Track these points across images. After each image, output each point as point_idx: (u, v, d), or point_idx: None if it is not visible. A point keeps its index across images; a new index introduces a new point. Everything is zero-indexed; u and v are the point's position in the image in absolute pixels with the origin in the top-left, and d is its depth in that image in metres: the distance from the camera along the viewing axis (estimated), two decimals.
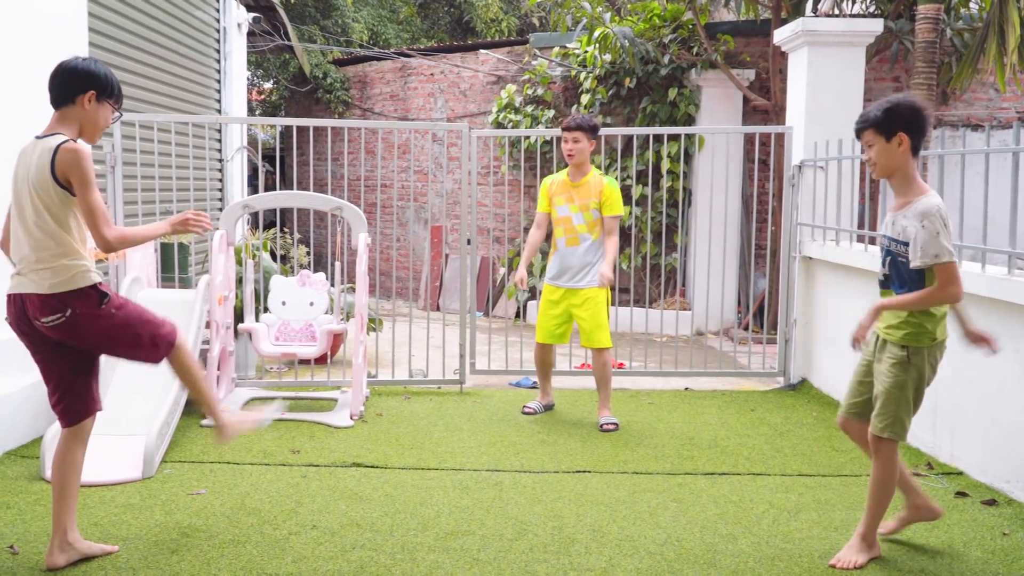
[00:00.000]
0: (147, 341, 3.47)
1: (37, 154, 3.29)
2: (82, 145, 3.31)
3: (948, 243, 3.33)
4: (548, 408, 6.09)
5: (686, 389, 6.85)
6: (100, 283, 3.38)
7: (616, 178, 9.22)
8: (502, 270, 11.21)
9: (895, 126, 3.41)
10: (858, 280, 6.03)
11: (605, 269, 5.62)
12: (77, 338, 3.37)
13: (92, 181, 3.27)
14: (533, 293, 10.42)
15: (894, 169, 3.46)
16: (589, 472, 4.73)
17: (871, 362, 3.63)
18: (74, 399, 3.45)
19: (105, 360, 3.66)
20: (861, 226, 7.24)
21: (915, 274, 3.40)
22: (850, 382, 3.75)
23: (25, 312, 3.34)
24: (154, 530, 3.81)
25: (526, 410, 5.99)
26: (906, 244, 3.41)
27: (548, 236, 6.04)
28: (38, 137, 3.37)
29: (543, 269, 10.27)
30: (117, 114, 3.53)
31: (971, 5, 9.54)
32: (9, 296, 3.38)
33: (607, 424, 5.63)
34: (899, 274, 3.48)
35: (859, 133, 3.52)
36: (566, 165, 5.90)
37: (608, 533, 3.86)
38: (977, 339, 3.60)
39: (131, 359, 3.56)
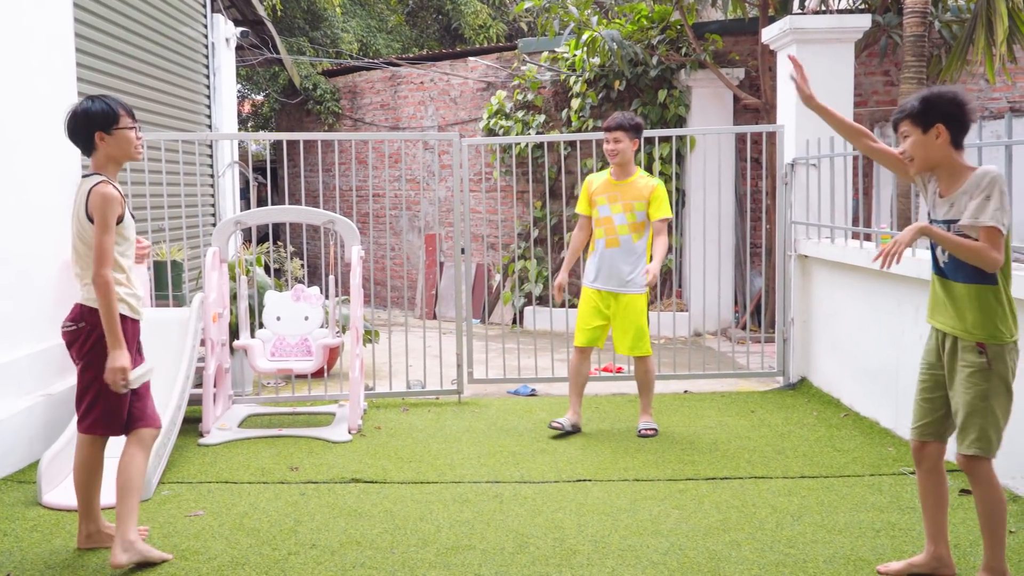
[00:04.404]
0: (96, 406, 3.67)
1: (79, 194, 3.63)
2: (109, 190, 3.56)
3: (999, 211, 3.11)
4: (575, 429, 5.67)
5: (685, 392, 6.82)
6: (123, 318, 3.61)
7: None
8: (497, 276, 11.18)
9: (933, 117, 3.23)
10: (854, 277, 6.01)
11: (652, 266, 5.31)
12: (75, 350, 3.71)
13: (108, 225, 3.54)
14: (529, 299, 10.40)
15: (934, 163, 3.27)
16: (590, 481, 4.70)
17: (937, 375, 3.38)
18: (110, 410, 3.70)
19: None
20: (856, 223, 7.22)
21: None
22: (916, 400, 3.47)
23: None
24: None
25: (554, 424, 5.64)
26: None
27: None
28: (84, 175, 3.69)
29: (547, 277, 10.24)
30: (136, 126, 3.73)
31: None
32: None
33: (646, 430, 5.58)
34: (961, 260, 3.22)
35: (896, 124, 3.33)
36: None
37: (610, 543, 3.83)
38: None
39: (79, 403, 3.74)
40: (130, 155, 3.71)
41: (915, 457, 3.49)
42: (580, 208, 5.79)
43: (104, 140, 3.63)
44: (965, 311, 3.24)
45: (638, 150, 5.62)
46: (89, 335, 3.65)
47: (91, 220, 3.56)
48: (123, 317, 3.62)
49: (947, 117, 3.22)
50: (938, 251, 3.32)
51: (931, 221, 3.35)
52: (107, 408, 3.67)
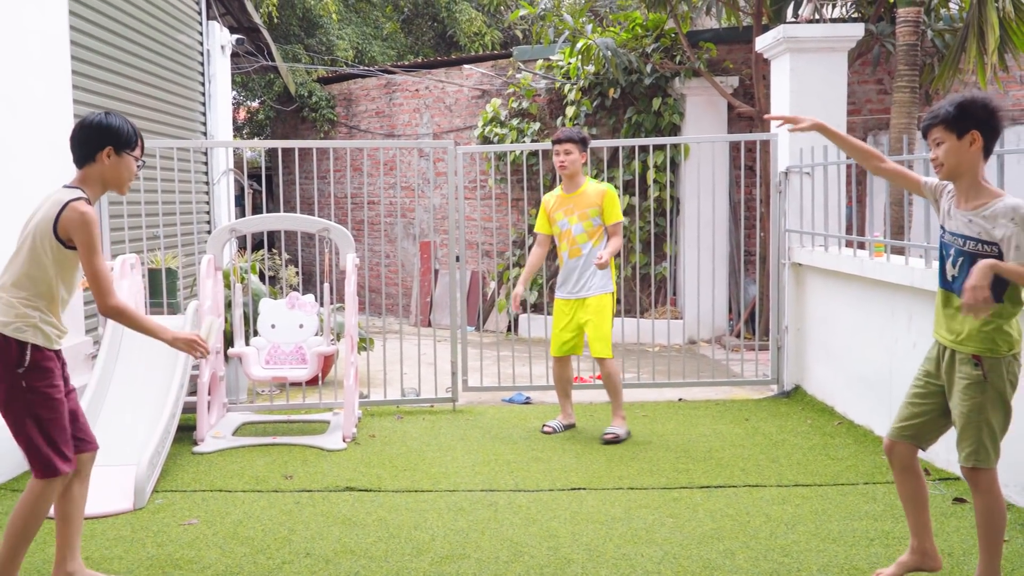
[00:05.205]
0: (36, 450, 3.24)
1: (51, 203, 3.28)
2: (89, 209, 3.24)
3: None
4: (568, 428, 5.97)
5: (680, 400, 6.83)
6: (37, 349, 3.23)
7: None
8: (492, 284, 11.19)
9: (968, 124, 3.15)
10: (848, 285, 6.03)
11: (604, 252, 5.56)
12: None
13: (96, 247, 3.23)
14: (524, 307, 10.39)
15: (964, 170, 3.19)
16: (584, 489, 4.71)
17: (932, 381, 3.36)
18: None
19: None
20: (849, 231, 7.24)
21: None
22: (904, 401, 3.46)
23: None
24: (145, 563, 3.77)
25: (545, 429, 5.90)
26: (990, 243, 3.12)
27: (553, 252, 6.07)
28: (64, 186, 3.35)
29: (541, 285, 10.27)
30: (141, 162, 3.48)
31: (951, 6, 9.57)
32: None
33: (608, 435, 5.62)
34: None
35: (927, 130, 3.24)
36: (553, 178, 5.90)
37: (604, 552, 3.83)
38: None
39: (16, 443, 3.29)
40: (122, 184, 3.41)
41: (887, 455, 3.51)
42: (538, 227, 6.04)
43: (109, 159, 3.33)
44: (963, 323, 3.21)
45: (586, 162, 5.84)
46: None
47: (58, 237, 3.22)
48: (37, 347, 3.22)
49: (982, 124, 3.16)
50: (948, 264, 3.27)
51: (943, 232, 3.32)
52: (48, 439, 3.24)
